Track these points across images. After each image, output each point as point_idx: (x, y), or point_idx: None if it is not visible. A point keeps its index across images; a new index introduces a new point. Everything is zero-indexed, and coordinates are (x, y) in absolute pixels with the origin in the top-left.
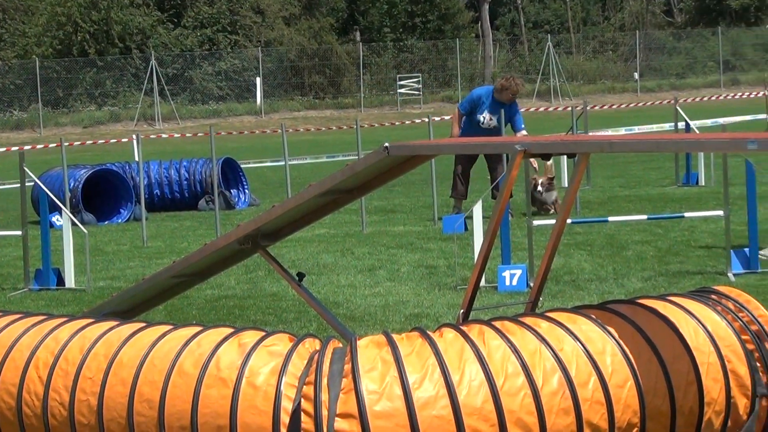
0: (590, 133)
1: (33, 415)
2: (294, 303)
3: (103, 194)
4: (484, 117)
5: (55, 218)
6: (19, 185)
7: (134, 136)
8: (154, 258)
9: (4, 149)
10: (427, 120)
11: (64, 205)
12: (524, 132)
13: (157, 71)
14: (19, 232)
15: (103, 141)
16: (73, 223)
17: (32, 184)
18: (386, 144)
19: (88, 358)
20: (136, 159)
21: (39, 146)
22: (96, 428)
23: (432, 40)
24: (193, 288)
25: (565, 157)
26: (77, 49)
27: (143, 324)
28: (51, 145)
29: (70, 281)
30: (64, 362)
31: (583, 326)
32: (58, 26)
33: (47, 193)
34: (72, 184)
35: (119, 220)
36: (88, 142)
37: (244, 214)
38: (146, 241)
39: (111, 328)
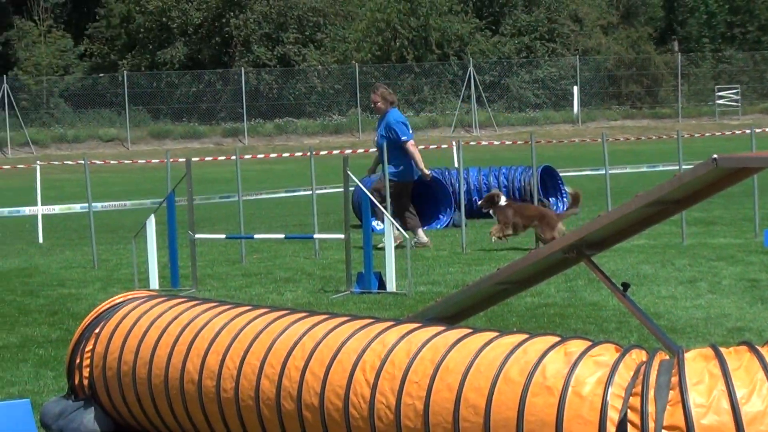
0: None
1: (359, 417)
2: (614, 313)
3: (422, 199)
4: (376, 136)
5: (376, 222)
6: (339, 189)
7: (454, 143)
8: (473, 264)
9: (324, 152)
10: (748, 132)
11: (386, 210)
12: (410, 142)
13: (474, 78)
14: (341, 236)
15: (421, 147)
16: (395, 228)
17: (353, 188)
18: (715, 156)
19: (415, 362)
20: (456, 165)
21: (359, 150)
22: None
23: (751, 51)
24: (514, 295)
25: None
26: (396, 55)
27: (469, 330)
28: (370, 150)
29: (391, 285)
30: (390, 366)
31: None
32: (378, 32)
33: (370, 197)
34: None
35: (438, 226)
36: None
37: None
38: (465, 247)
39: (437, 333)
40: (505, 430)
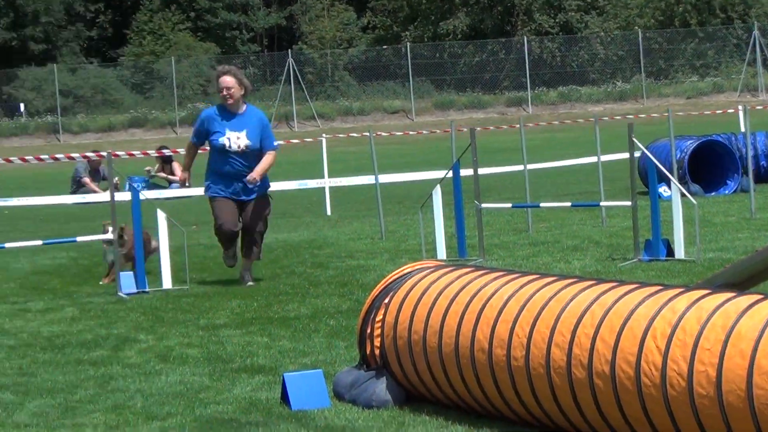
0: None
1: (651, 384)
2: None
3: (709, 165)
4: (228, 139)
5: (662, 189)
6: (625, 156)
7: (740, 107)
8: (763, 230)
9: (607, 118)
10: None
11: (672, 176)
12: (272, 152)
13: (759, 41)
14: (628, 203)
15: (708, 112)
16: (682, 194)
17: (639, 155)
18: None
19: (706, 329)
20: (742, 130)
21: (641, 116)
22: (715, 399)
23: None
24: None
25: None
26: (679, 20)
27: (761, 296)
28: (654, 116)
29: (679, 252)
30: (681, 333)
31: None
32: None
33: (656, 164)
34: (678, 155)
35: (726, 192)
36: (692, 113)
37: None
38: (754, 212)
39: (728, 300)
40: None
